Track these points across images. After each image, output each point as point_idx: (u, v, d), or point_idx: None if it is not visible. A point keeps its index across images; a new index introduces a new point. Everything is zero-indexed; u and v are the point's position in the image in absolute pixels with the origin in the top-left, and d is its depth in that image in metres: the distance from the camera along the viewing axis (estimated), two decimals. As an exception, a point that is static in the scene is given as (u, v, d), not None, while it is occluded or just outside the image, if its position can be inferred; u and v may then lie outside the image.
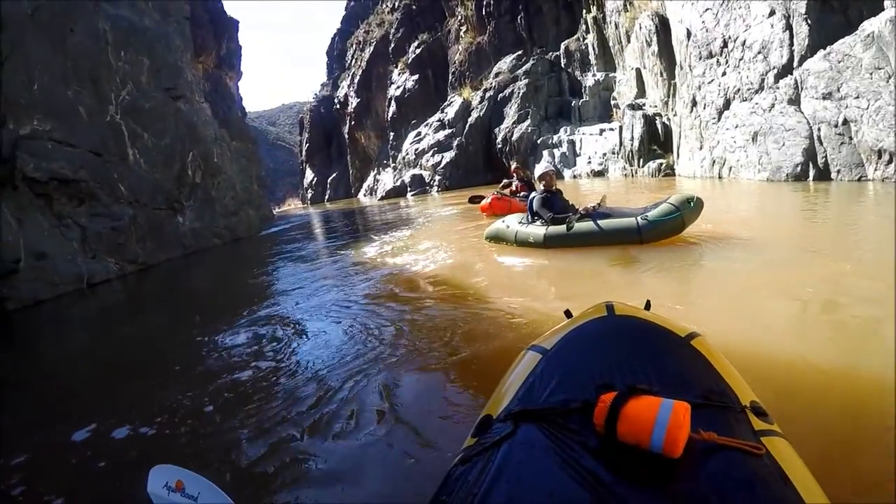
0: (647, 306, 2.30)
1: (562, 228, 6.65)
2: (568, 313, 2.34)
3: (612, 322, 2.02)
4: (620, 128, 18.14)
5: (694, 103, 13.19)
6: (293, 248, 13.25)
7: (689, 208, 6.07)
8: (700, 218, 6.36)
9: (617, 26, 20.99)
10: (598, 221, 6.44)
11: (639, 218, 6.19)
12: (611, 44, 22.36)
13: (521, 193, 11.53)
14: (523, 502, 1.28)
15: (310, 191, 52.31)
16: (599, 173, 20.28)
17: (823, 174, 9.49)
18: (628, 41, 19.90)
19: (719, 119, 12.23)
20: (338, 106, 47.33)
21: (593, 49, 23.72)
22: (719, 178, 12.34)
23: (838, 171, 9.23)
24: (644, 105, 17.53)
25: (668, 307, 3.76)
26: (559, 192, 7.30)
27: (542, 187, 7.27)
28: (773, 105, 10.45)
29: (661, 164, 15.62)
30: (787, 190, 9.48)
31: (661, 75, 16.07)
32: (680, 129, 14.39)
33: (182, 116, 14.30)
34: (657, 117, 16.52)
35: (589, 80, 23.74)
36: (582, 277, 5.87)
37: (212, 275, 11.62)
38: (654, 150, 16.24)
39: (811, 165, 9.65)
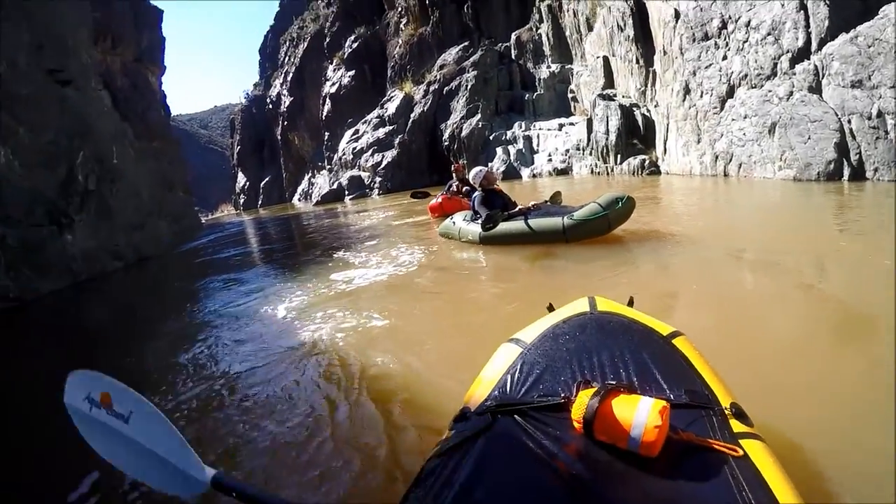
0: (631, 303, 2.25)
1: (498, 227, 6.88)
2: (550, 307, 2.32)
3: (593, 317, 2.01)
4: (589, 121, 16.52)
5: (687, 91, 11.65)
6: (218, 267, 11.15)
7: (616, 208, 6.05)
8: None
9: (575, 14, 19.59)
10: (529, 221, 6.59)
11: (564, 217, 6.27)
12: (567, 33, 20.99)
13: (465, 189, 11.30)
14: (499, 496, 1.29)
15: (242, 196, 49.65)
16: (563, 171, 18.71)
17: (858, 173, 8.17)
18: (589, 29, 18.59)
19: (722, 108, 10.71)
20: (270, 106, 45.02)
21: (548, 39, 22.29)
22: (725, 175, 10.77)
23: (875, 170, 7.93)
24: (615, 96, 15.99)
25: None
26: (499, 191, 7.60)
27: (481, 186, 7.55)
28: (791, 93, 9.07)
29: (644, 160, 13.98)
30: (819, 191, 8.08)
31: (638, 62, 14.57)
32: (667, 120, 12.82)
33: (71, 106, 11.11)
34: (635, 108, 14.94)
35: (543, 73, 22.33)
36: (509, 275, 6.11)
37: (113, 309, 8.96)
38: (635, 144, 14.63)
39: (845, 163, 8.30)
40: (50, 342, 6.90)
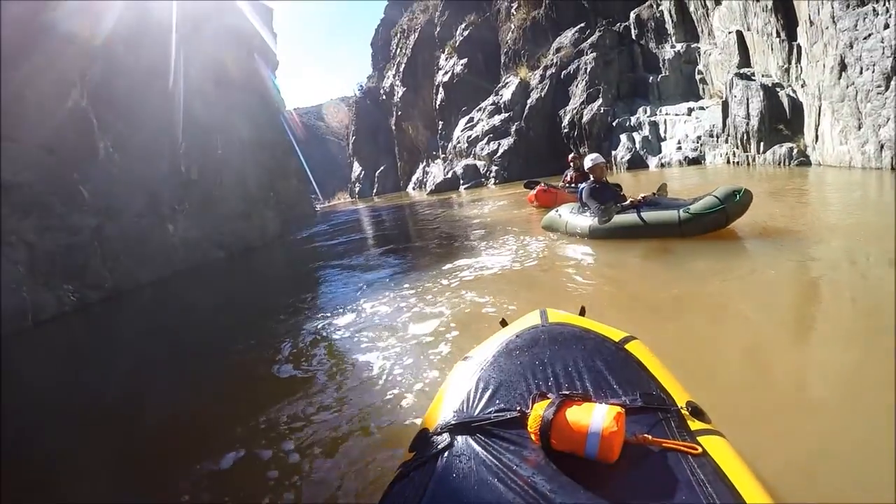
0: (582, 312, 2.33)
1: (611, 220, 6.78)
2: (503, 322, 2.39)
3: (545, 330, 2.04)
4: (724, 104, 15.36)
5: (843, 67, 10.35)
6: (328, 255, 11.31)
7: (734, 202, 5.87)
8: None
9: (702, -13, 18.23)
10: (642, 214, 6.44)
11: (680, 211, 6.11)
12: (692, 8, 19.58)
13: (571, 185, 11.43)
14: None
15: (357, 185, 51.48)
16: (695, 161, 17.54)
17: None
18: (716, 3, 17.21)
19: (887, 87, 9.31)
20: (383, 97, 46.21)
21: (670, 16, 21.01)
22: (893, 169, 9.21)
23: None
24: (753, 75, 14.70)
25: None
26: (608, 183, 7.46)
27: (592, 178, 7.38)
28: (974, 69, 7.80)
29: (792, 148, 12.59)
30: None
31: (778, 35, 13.27)
32: (819, 102, 11.51)
33: (173, 99, 11.39)
34: (778, 88, 13.55)
35: (667, 53, 21.09)
36: (620, 272, 5.94)
37: (214, 301, 8.91)
38: (780, 130, 13.21)
39: None
40: (146, 332, 7.13)
